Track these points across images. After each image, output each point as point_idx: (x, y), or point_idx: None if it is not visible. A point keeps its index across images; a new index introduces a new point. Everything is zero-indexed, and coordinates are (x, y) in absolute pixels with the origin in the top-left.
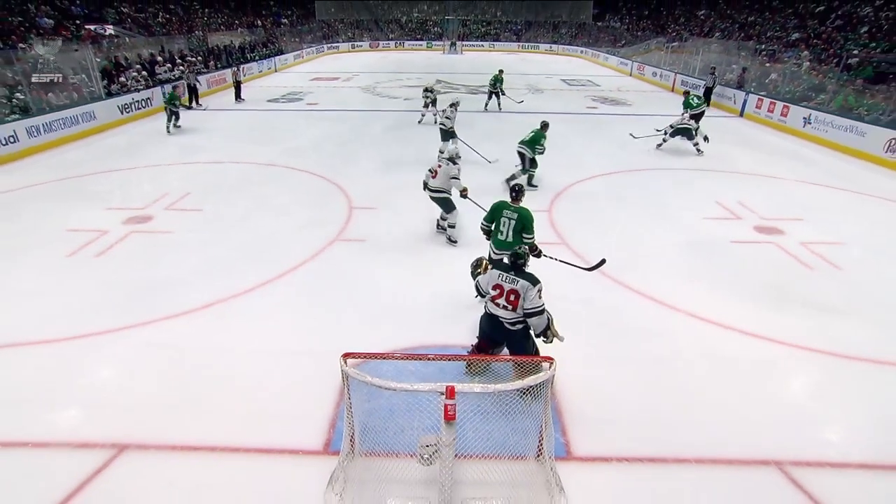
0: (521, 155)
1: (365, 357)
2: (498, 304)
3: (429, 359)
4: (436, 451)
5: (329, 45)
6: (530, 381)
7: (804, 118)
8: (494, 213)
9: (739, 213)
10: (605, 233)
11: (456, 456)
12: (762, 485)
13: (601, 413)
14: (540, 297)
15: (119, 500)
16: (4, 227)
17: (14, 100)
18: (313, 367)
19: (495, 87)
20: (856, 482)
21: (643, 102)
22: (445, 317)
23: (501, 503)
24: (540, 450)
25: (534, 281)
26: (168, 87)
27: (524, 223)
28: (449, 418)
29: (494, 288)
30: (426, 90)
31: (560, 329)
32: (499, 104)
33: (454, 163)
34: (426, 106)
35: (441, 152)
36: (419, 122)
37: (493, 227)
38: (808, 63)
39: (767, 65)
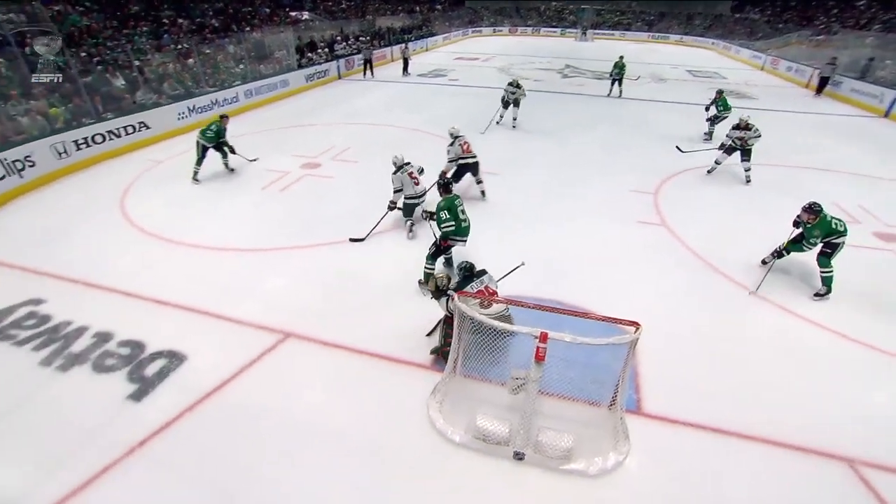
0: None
1: (474, 296)
2: (490, 304)
3: (529, 306)
4: (523, 384)
5: (473, 28)
6: (615, 339)
7: None
8: (451, 210)
9: (859, 216)
10: (707, 221)
11: (539, 391)
12: (829, 477)
13: (677, 381)
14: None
15: (283, 371)
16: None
17: (238, 70)
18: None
19: (620, 73)
20: None
21: (769, 97)
22: (549, 270)
23: (571, 436)
24: (613, 400)
25: (484, 271)
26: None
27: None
28: (539, 359)
29: (477, 296)
30: (513, 85)
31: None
32: (620, 91)
33: (409, 164)
34: (506, 105)
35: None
36: (498, 122)
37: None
38: None
39: None
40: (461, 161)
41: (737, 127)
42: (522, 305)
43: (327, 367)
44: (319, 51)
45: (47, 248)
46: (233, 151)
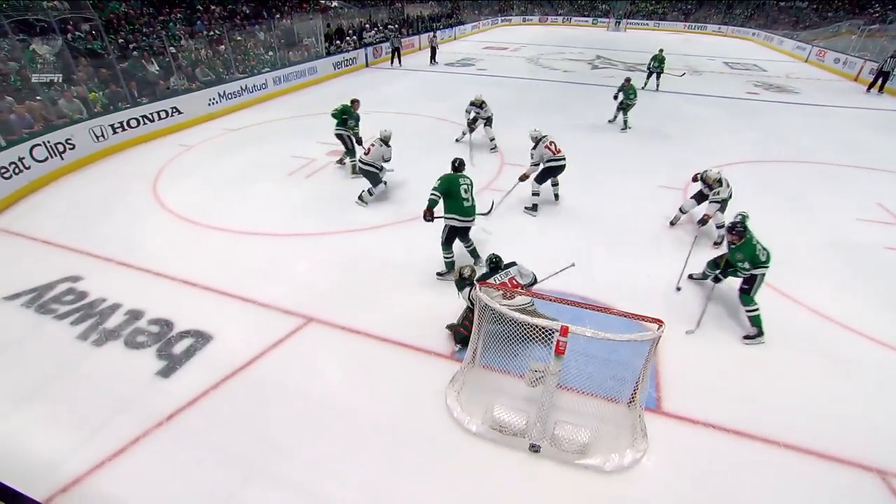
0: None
1: (497, 287)
2: (514, 296)
3: (550, 299)
4: (541, 377)
5: (503, 17)
6: (638, 336)
7: None
8: (451, 185)
9: None
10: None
11: (558, 385)
12: (858, 488)
13: (699, 380)
14: (526, 270)
15: (305, 353)
16: (256, 151)
17: (268, 57)
18: (452, 287)
19: (660, 67)
20: None
21: (813, 91)
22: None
23: (589, 432)
24: (633, 398)
25: (513, 263)
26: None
27: (472, 186)
28: (559, 352)
29: (500, 287)
30: (475, 105)
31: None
32: (658, 84)
33: (387, 145)
34: (473, 125)
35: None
36: (458, 140)
37: (443, 197)
38: None
39: None
40: (551, 164)
41: (703, 181)
42: (544, 298)
43: (348, 352)
44: (348, 38)
45: (84, 227)
46: (359, 142)
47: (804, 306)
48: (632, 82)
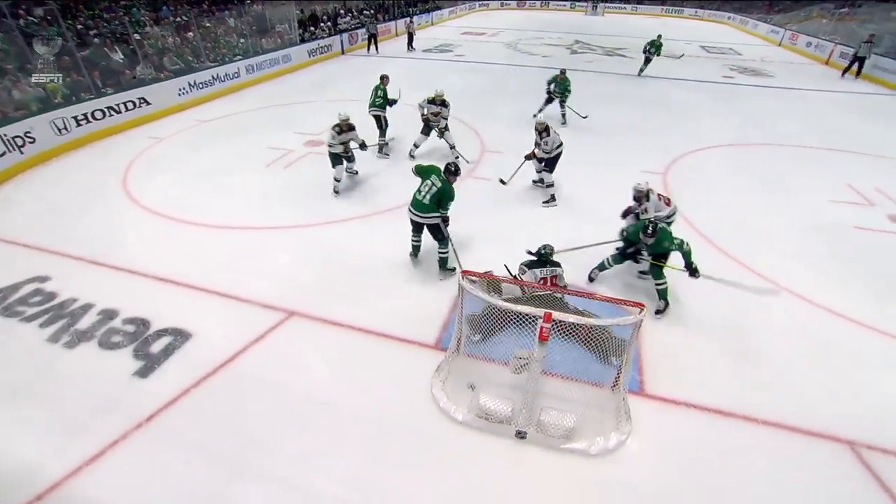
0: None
1: (479, 276)
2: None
3: (532, 286)
4: (526, 364)
5: (480, 2)
6: (620, 321)
7: None
8: (420, 173)
9: (874, 199)
10: (714, 202)
11: (542, 371)
12: (830, 460)
13: (680, 363)
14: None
15: (288, 348)
16: (230, 141)
17: (239, 44)
18: (435, 277)
19: (657, 52)
20: None
21: (786, 75)
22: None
23: (574, 417)
24: (616, 381)
25: (559, 264)
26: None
27: (442, 196)
28: (543, 339)
29: (540, 280)
30: (435, 103)
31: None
32: (642, 69)
33: (332, 129)
34: (428, 129)
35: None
36: (412, 155)
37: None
38: None
39: None
40: (559, 150)
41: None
42: (526, 285)
43: (331, 345)
44: (322, 25)
45: (50, 225)
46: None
47: (782, 287)
48: (566, 74)
